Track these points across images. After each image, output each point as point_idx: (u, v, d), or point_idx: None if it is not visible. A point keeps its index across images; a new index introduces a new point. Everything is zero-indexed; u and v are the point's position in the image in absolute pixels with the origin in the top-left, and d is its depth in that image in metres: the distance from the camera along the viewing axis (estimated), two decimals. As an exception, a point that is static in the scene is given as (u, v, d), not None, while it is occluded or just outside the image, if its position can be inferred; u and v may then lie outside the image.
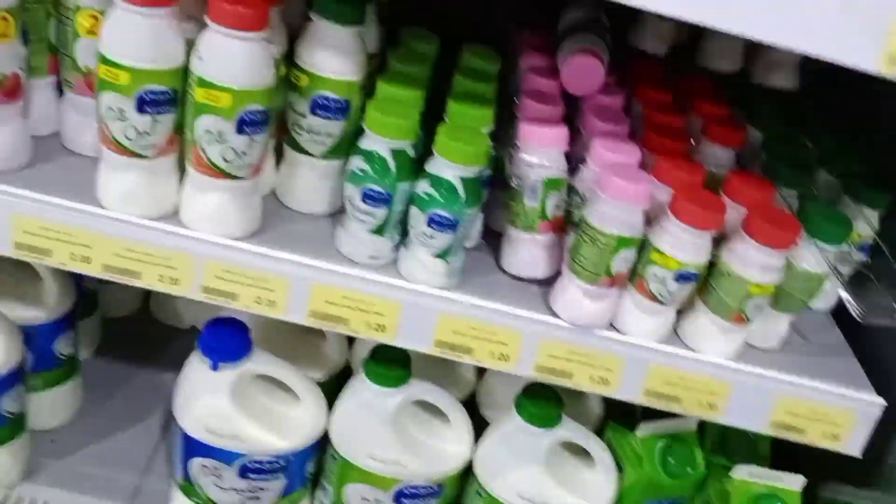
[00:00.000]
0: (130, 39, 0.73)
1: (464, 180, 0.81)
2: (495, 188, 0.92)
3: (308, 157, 0.89)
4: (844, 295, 0.81)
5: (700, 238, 0.82)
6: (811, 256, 0.86)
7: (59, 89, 0.89)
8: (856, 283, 0.90)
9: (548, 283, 0.91)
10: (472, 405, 1.14)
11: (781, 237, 0.81)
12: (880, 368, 0.93)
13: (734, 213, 0.87)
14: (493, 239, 0.96)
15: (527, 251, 0.91)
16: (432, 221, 0.82)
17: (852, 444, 0.92)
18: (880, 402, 0.89)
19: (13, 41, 0.77)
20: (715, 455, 1.08)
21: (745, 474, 1.01)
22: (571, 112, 0.95)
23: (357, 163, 0.83)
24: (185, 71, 0.76)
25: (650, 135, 0.93)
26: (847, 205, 0.97)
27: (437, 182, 0.81)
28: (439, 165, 0.81)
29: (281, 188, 0.93)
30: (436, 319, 0.86)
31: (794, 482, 1.01)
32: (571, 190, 0.89)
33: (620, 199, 0.80)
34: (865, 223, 0.95)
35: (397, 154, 0.82)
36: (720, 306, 0.85)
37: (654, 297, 0.85)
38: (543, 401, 0.98)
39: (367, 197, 0.83)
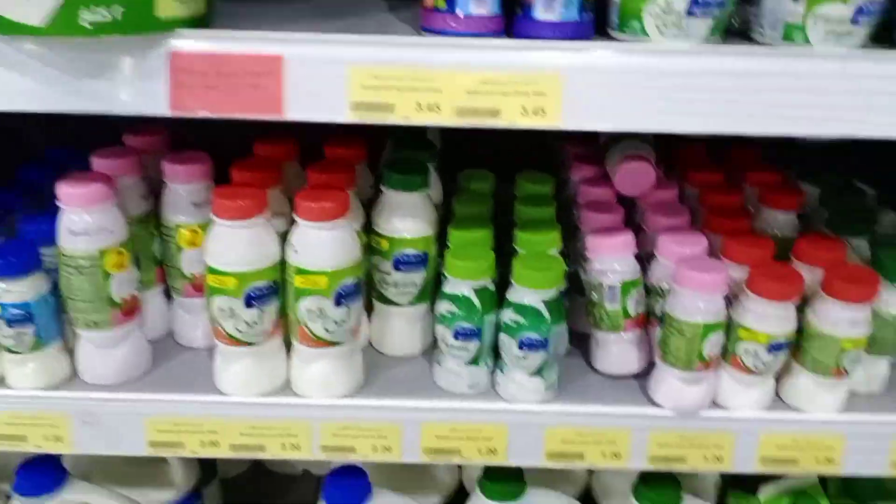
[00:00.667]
0: (233, 249, 0.82)
1: (546, 303, 0.86)
2: (573, 293, 0.97)
3: (397, 306, 0.96)
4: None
5: (783, 309, 0.85)
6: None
7: (167, 295, 0.99)
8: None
9: (640, 376, 0.95)
10: (587, 497, 1.17)
11: (862, 292, 0.84)
12: None
13: (810, 275, 0.90)
14: (579, 340, 1.00)
15: (617, 350, 0.95)
16: (523, 345, 0.87)
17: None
18: None
19: (129, 269, 0.86)
20: (843, 499, 1.08)
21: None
22: (629, 210, 1.00)
23: (445, 306, 0.89)
24: (282, 263, 0.85)
25: (710, 217, 0.97)
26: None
27: (521, 309, 0.86)
28: (521, 294, 0.87)
29: (375, 337, 1.00)
30: (543, 433, 0.90)
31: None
32: (647, 286, 0.93)
33: (698, 290, 0.84)
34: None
35: (480, 292, 0.87)
36: (817, 365, 0.88)
37: (750, 370, 0.87)
38: (661, 485, 1.00)
39: (459, 335, 0.89)
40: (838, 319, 0.85)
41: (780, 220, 1.01)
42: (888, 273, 0.87)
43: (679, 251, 0.90)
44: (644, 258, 0.94)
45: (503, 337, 0.89)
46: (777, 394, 0.93)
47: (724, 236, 0.92)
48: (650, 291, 0.93)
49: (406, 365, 0.97)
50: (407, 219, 0.92)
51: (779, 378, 0.92)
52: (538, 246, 0.92)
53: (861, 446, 0.91)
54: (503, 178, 1.09)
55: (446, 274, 0.88)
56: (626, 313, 0.92)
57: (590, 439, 0.91)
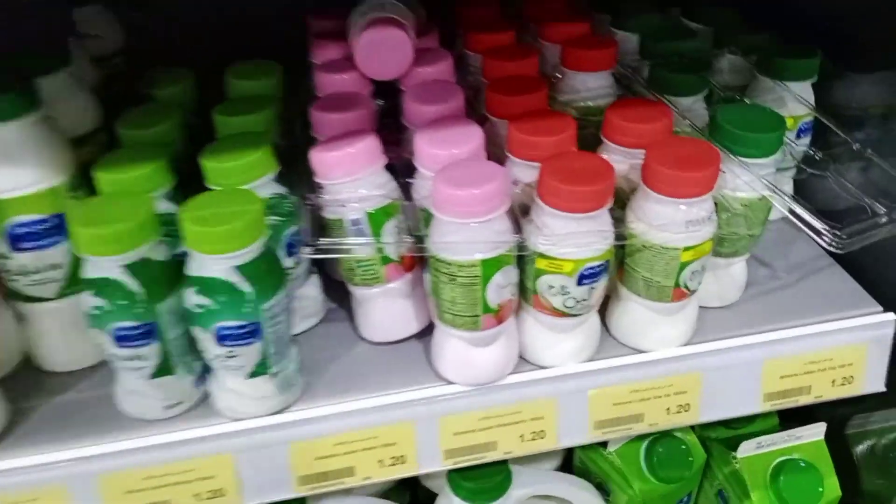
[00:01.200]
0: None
1: (242, 269, 0.55)
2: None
3: (40, 303, 0.64)
4: (805, 226, 0.57)
5: (591, 221, 0.57)
6: (743, 180, 0.61)
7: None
8: (811, 189, 0.67)
9: (423, 334, 0.67)
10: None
11: (699, 179, 0.56)
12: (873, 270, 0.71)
13: (625, 163, 0.62)
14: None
15: (381, 310, 0.66)
16: (222, 339, 0.57)
17: (872, 379, 0.70)
18: (891, 317, 0.67)
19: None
20: (712, 429, 0.86)
21: (754, 448, 0.79)
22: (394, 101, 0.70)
23: (90, 301, 0.56)
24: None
25: (494, 97, 0.67)
26: (768, 89, 0.72)
27: (205, 286, 0.55)
28: (201, 263, 0.55)
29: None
30: (288, 452, 0.62)
31: (813, 432, 0.80)
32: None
33: (463, 216, 0.55)
34: (798, 101, 0.71)
35: (136, 269, 0.56)
36: (650, 289, 0.62)
37: (561, 312, 0.61)
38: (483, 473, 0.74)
39: (121, 339, 0.57)
40: (668, 222, 0.58)
41: (589, 85, 0.73)
42: (732, 143, 0.61)
43: (442, 155, 0.60)
44: (408, 170, 0.64)
45: (196, 330, 0.58)
46: (608, 330, 0.67)
47: (510, 124, 0.63)
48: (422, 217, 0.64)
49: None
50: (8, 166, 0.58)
51: (605, 310, 0.67)
52: (232, 178, 0.60)
53: (723, 385, 0.67)
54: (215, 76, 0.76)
55: (76, 252, 0.56)
56: (383, 256, 0.63)
57: (358, 447, 0.63)
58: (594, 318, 0.64)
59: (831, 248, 0.56)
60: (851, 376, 0.68)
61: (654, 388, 0.65)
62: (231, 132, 0.66)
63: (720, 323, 0.68)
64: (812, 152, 0.65)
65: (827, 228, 0.55)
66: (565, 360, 0.64)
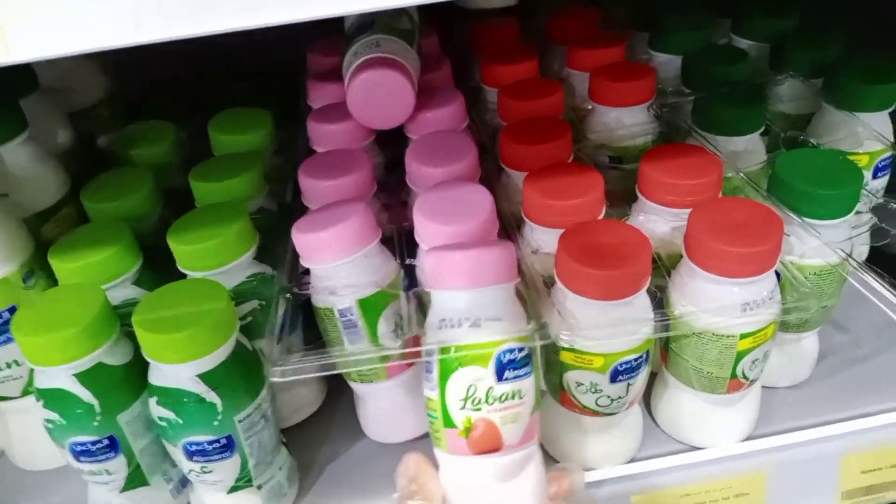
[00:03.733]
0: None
1: (208, 377, 0.47)
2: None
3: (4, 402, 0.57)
4: (888, 307, 0.46)
5: (625, 307, 0.46)
6: (811, 245, 0.50)
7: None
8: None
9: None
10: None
11: (757, 255, 0.45)
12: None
13: (665, 225, 0.52)
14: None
15: (384, 409, 0.57)
16: (192, 454, 0.49)
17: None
18: None
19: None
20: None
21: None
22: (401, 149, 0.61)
23: (43, 413, 0.49)
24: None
25: (511, 146, 0.58)
26: (837, 121, 0.60)
27: (168, 397, 0.47)
28: (161, 371, 0.47)
29: None
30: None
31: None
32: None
33: (461, 286, 0.45)
34: (872, 134, 0.59)
35: (89, 377, 0.48)
36: (701, 380, 0.51)
37: (593, 412, 0.51)
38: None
39: (81, 454, 0.50)
40: (721, 304, 0.47)
41: (623, 124, 0.63)
42: (799, 204, 0.50)
43: (438, 227, 0.50)
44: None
45: (165, 443, 0.50)
46: (653, 419, 0.57)
47: (526, 183, 0.53)
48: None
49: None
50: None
51: (650, 395, 0.56)
52: (202, 262, 0.52)
53: (793, 480, 0.55)
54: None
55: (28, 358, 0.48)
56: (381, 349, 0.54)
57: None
58: (635, 412, 0.54)
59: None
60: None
61: (710, 492, 0.54)
62: (209, 199, 0.58)
63: (788, 408, 0.57)
64: (892, 205, 0.53)
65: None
66: (601, 462, 0.54)
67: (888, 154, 0.59)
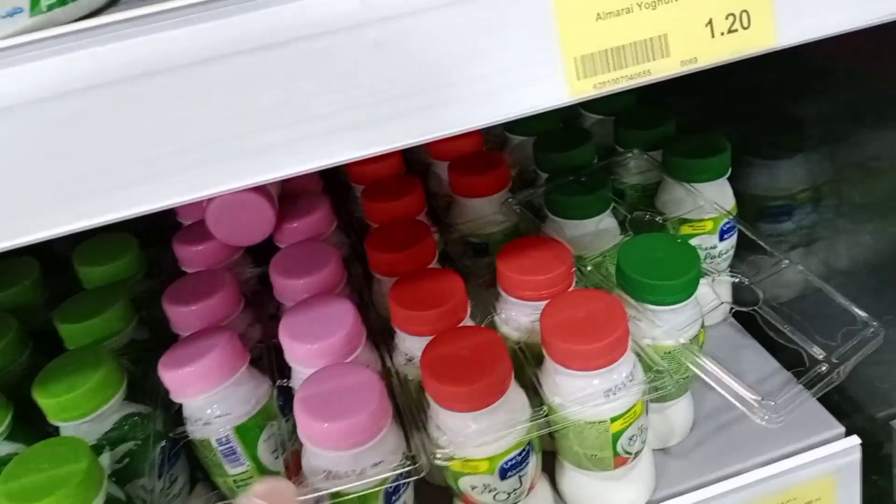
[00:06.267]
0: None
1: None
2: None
3: None
4: (735, 399, 0.48)
5: (494, 413, 0.48)
6: (658, 332, 0.53)
7: None
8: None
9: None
10: None
11: (607, 348, 0.47)
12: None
13: (526, 317, 0.54)
14: None
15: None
16: None
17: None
18: (856, 441, 0.59)
19: None
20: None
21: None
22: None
23: None
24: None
25: (376, 254, 0.59)
26: (680, 193, 0.64)
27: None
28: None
29: None
30: None
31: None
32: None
33: (326, 443, 0.46)
34: (713, 202, 0.63)
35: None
36: (589, 461, 0.53)
37: None
38: None
39: None
40: (585, 395, 0.49)
41: (482, 214, 0.65)
42: (640, 291, 0.53)
43: (305, 348, 0.51)
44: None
45: None
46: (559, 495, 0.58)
47: (391, 293, 0.54)
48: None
49: None
50: None
51: (555, 475, 0.58)
52: (71, 412, 0.51)
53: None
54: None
55: None
56: (262, 472, 0.54)
57: None
58: (541, 489, 0.56)
59: (766, 424, 0.48)
60: (821, 508, 0.60)
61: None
62: (77, 340, 0.58)
63: (665, 474, 0.59)
64: (739, 279, 0.57)
65: (758, 400, 0.47)
66: None
67: (729, 218, 0.64)
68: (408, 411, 0.51)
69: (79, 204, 0.33)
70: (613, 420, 0.50)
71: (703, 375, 0.49)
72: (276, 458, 0.54)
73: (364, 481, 0.46)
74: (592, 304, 0.50)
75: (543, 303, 0.52)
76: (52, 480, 0.45)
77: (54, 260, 0.67)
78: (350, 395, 0.46)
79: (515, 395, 0.49)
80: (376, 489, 0.47)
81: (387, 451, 0.47)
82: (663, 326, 0.52)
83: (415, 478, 0.47)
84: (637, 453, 0.54)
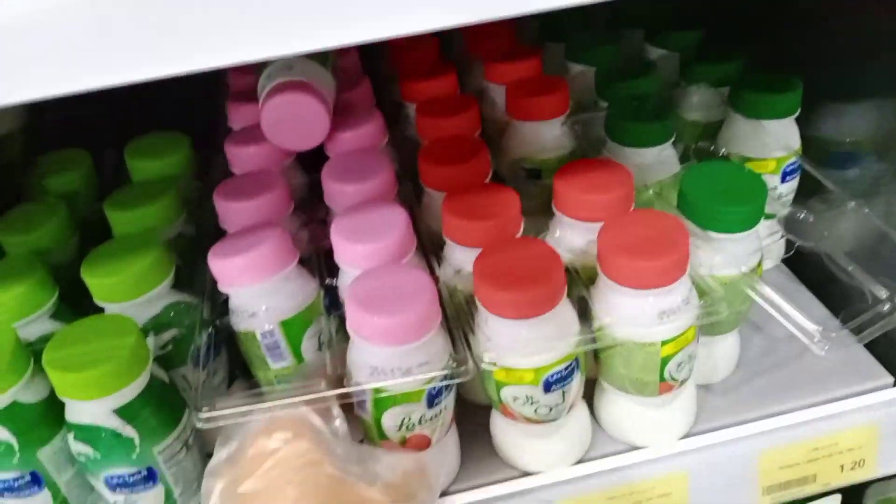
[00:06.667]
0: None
1: (123, 411, 0.46)
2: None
3: None
4: (794, 326, 0.47)
5: (546, 323, 0.47)
6: (718, 259, 0.52)
7: None
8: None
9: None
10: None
11: (666, 267, 0.46)
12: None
13: (581, 239, 0.53)
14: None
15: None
16: (114, 486, 0.48)
17: (887, 461, 0.60)
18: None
19: None
20: None
21: (759, 529, 0.70)
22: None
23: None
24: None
25: (429, 167, 0.58)
26: (745, 130, 0.62)
27: (84, 433, 0.46)
28: (75, 408, 0.46)
29: None
30: None
31: (827, 504, 0.71)
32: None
33: (375, 338, 0.46)
34: (779, 141, 0.61)
35: (4, 416, 0.47)
36: (633, 385, 0.52)
37: (534, 420, 0.51)
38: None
39: (3, 490, 0.49)
40: (638, 314, 0.48)
41: (539, 138, 0.64)
42: (703, 218, 0.51)
43: (360, 256, 0.50)
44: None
45: (90, 478, 0.49)
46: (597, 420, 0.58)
47: (444, 203, 0.53)
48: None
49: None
50: None
51: (594, 400, 0.58)
52: (118, 294, 0.51)
53: (713, 478, 0.57)
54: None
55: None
56: (303, 369, 0.54)
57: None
58: (580, 413, 0.55)
59: (824, 355, 0.47)
60: (863, 459, 0.58)
61: (634, 493, 0.56)
62: (125, 228, 0.58)
63: (707, 410, 0.58)
64: (801, 215, 0.55)
65: (819, 330, 0.46)
66: (550, 466, 0.55)
67: (794, 159, 0.62)
68: (455, 322, 0.51)
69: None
70: (664, 343, 0.49)
71: (763, 303, 0.48)
72: (319, 356, 0.53)
73: (410, 378, 0.46)
74: (654, 223, 0.48)
75: (599, 224, 0.51)
76: (99, 352, 0.45)
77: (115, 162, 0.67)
78: (402, 292, 0.46)
79: (566, 310, 0.48)
80: (420, 389, 0.47)
81: (433, 353, 0.47)
82: (723, 255, 0.50)
83: (459, 380, 0.46)
84: (683, 381, 0.53)
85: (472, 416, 0.58)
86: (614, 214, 0.52)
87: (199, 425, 0.45)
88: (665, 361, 0.50)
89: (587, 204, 0.52)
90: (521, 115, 0.64)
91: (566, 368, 0.49)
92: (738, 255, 0.51)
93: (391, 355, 0.45)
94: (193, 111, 0.71)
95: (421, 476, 0.46)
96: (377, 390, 0.46)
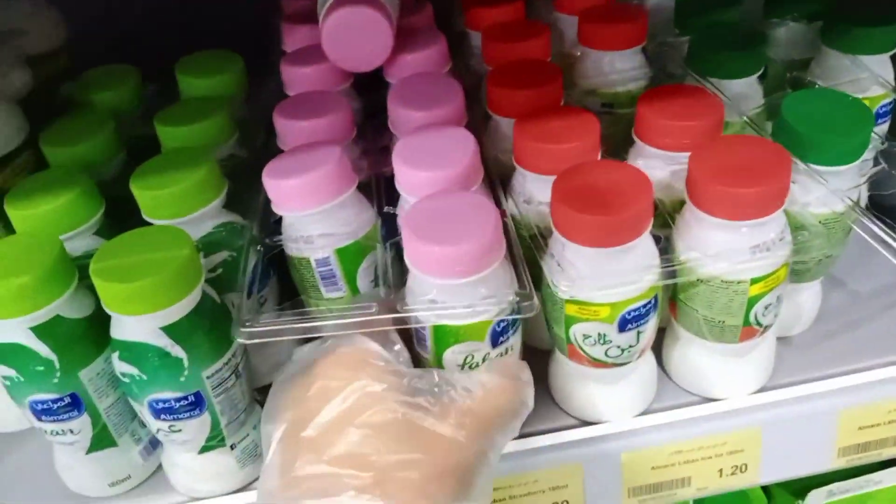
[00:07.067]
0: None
1: (172, 330, 0.43)
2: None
3: None
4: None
5: (627, 254, 0.43)
6: (817, 194, 0.48)
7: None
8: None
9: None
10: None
11: (765, 195, 0.42)
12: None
13: (665, 170, 0.49)
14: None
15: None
16: (158, 413, 0.45)
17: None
18: None
19: None
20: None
21: (825, 497, 0.66)
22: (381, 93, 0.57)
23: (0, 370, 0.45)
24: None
25: (497, 91, 0.54)
26: (837, 65, 0.58)
27: (130, 352, 0.44)
28: (122, 324, 0.44)
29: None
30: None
31: (891, 477, 0.67)
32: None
33: (439, 273, 0.42)
34: (875, 78, 0.56)
35: (47, 331, 0.44)
36: (712, 330, 0.49)
37: (603, 363, 0.48)
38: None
39: (41, 412, 0.46)
40: (728, 249, 0.44)
41: (615, 69, 0.60)
42: (803, 147, 0.47)
43: (419, 175, 0.47)
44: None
45: (132, 401, 0.47)
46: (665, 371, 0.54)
47: (517, 127, 0.50)
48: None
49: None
50: None
51: (663, 350, 0.54)
52: (167, 209, 0.48)
53: (789, 436, 0.53)
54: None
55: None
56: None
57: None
58: (647, 361, 0.52)
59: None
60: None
61: (702, 449, 0.52)
62: (175, 144, 0.55)
63: (784, 364, 0.54)
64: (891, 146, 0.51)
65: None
66: (614, 415, 0.51)
67: (889, 99, 0.57)
68: (522, 256, 0.47)
69: None
70: (754, 282, 0.45)
71: (865, 235, 0.44)
72: (375, 287, 0.50)
73: (472, 309, 0.42)
74: (750, 149, 0.44)
75: (684, 155, 0.47)
76: (149, 265, 0.42)
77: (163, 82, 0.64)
78: (465, 221, 0.42)
79: (648, 242, 0.45)
80: (484, 324, 0.43)
81: (498, 286, 0.43)
82: (820, 192, 0.46)
83: (524, 315, 0.43)
84: (766, 329, 0.49)
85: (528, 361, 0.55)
86: (702, 144, 0.48)
87: (240, 340, 0.42)
88: (752, 302, 0.46)
89: (675, 131, 0.48)
90: (594, 44, 0.60)
91: (644, 306, 0.45)
92: (839, 190, 0.46)
93: (451, 288, 0.42)
94: (242, 33, 0.68)
95: (504, 396, 0.42)
96: (437, 326, 0.43)
